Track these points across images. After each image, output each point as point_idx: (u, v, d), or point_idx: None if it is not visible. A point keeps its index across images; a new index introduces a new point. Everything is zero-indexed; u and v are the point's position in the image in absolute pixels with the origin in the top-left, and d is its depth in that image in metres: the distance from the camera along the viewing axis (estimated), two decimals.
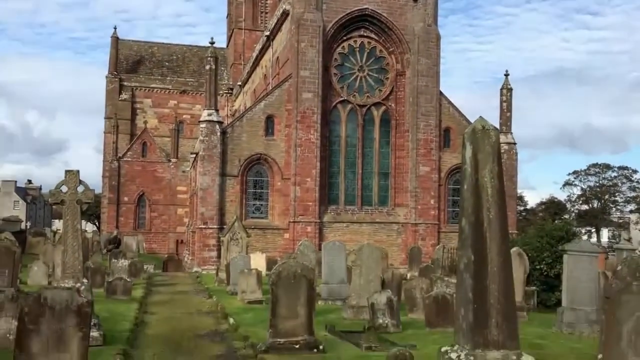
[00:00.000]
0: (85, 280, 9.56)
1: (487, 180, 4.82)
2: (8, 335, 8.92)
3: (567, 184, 63.17)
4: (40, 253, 21.41)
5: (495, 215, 4.78)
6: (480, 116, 5.21)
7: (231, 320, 12.73)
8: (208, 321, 13.38)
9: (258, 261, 20.17)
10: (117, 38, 50.13)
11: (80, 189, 9.51)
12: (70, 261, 9.27)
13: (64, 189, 9.42)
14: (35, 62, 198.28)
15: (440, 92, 30.95)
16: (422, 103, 30.25)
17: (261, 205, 29.41)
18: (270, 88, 32.01)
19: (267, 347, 9.11)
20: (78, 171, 9.47)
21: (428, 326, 11.76)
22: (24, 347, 6.41)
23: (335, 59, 30.13)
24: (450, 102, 31.58)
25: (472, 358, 4.61)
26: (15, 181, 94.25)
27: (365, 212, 30.22)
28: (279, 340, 9.16)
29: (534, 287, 16.44)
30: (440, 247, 24.20)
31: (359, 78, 30.57)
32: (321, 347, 9.26)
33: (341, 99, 30.21)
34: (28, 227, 63.49)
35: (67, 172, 9.42)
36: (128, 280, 15.79)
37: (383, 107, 30.90)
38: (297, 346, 9.14)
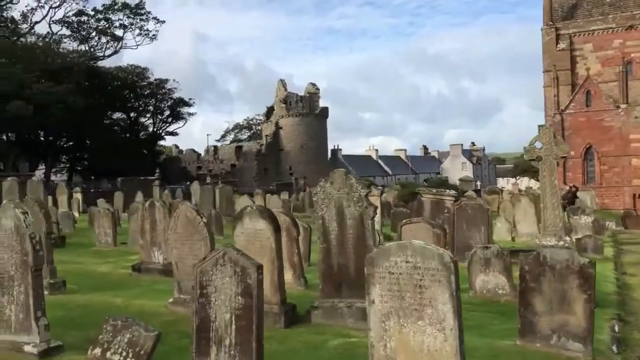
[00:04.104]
0: (567, 238, 9.18)
1: None
2: (497, 289, 9.31)
3: None
4: (501, 210, 22.34)
5: None
6: None
7: None
8: None
9: None
10: None
11: (554, 143, 9.12)
12: (551, 218, 9.03)
13: (538, 145, 9.21)
14: (463, 30, 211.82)
15: None
16: None
17: None
18: None
19: None
20: (551, 126, 9.08)
21: None
22: (528, 304, 6.41)
23: None
24: None
25: None
26: (462, 144, 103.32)
27: None
28: None
29: None
30: None
31: None
32: None
33: None
34: (479, 185, 68.34)
35: (540, 127, 9.22)
36: (598, 237, 14.73)
37: None
38: None
